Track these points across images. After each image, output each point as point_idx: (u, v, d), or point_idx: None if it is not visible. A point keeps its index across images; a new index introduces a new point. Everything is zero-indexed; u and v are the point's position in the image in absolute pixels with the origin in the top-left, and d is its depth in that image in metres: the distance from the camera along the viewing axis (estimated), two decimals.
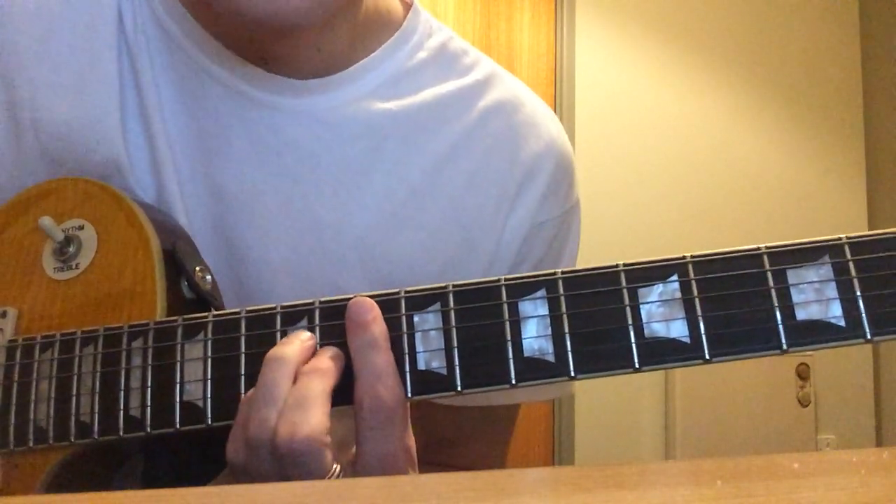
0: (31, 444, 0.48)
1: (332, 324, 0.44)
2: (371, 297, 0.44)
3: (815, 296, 0.36)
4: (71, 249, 0.52)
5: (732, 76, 2.88)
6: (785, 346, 0.36)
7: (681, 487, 0.29)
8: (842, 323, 0.36)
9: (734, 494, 0.27)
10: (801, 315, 0.36)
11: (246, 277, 0.57)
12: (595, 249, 2.49)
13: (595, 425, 2.70)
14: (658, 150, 2.81)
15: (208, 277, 0.52)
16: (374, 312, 0.43)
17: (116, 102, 0.56)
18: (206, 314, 0.47)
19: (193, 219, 0.57)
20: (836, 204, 2.89)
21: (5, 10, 0.56)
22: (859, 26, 2.96)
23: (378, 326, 0.42)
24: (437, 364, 0.42)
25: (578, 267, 0.40)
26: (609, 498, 0.28)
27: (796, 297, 0.36)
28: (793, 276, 0.37)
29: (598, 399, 2.69)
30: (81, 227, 0.52)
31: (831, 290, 0.36)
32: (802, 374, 2.71)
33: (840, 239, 0.36)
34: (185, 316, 0.47)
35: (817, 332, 0.36)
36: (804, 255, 0.37)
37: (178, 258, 0.51)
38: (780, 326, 0.36)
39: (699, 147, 2.84)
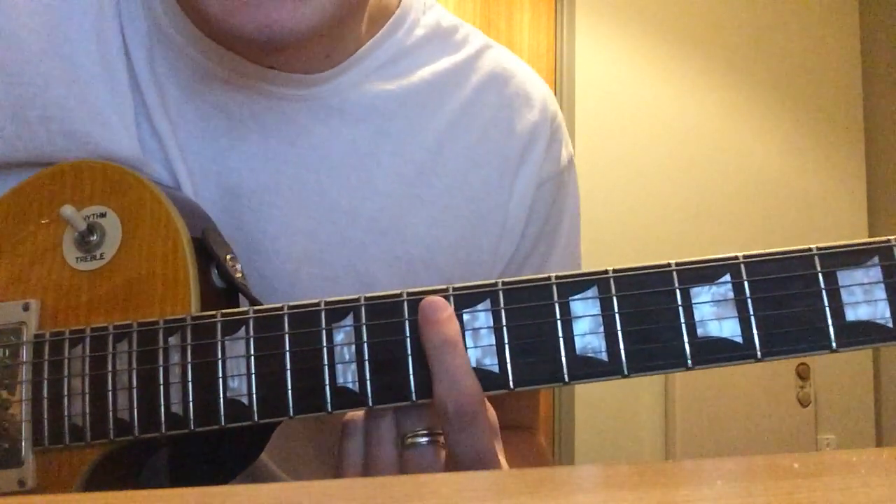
0: (66, 441, 0.46)
1: (377, 323, 0.43)
2: (416, 292, 0.43)
3: (864, 297, 0.37)
4: (94, 238, 0.49)
5: (732, 76, 2.88)
6: (835, 346, 0.37)
7: (680, 487, 0.29)
8: (890, 324, 0.37)
9: (734, 494, 0.27)
10: (850, 316, 0.37)
11: (269, 271, 0.57)
12: (595, 248, 2.49)
13: (595, 425, 2.69)
14: (658, 150, 2.80)
15: (238, 266, 0.51)
16: (448, 311, 0.42)
17: (130, 102, 0.56)
18: (245, 309, 0.45)
19: None
20: (836, 204, 2.90)
21: (5, 6, 0.55)
22: (859, 26, 2.97)
23: (453, 325, 0.42)
24: (489, 362, 0.42)
25: (628, 266, 0.41)
26: (609, 498, 0.28)
27: (846, 297, 0.37)
28: (844, 277, 0.38)
29: (598, 399, 2.68)
30: (103, 215, 0.50)
31: (880, 292, 0.37)
32: (802, 374, 2.71)
33: (889, 241, 0.37)
34: (224, 311, 0.46)
35: (865, 333, 0.37)
36: (854, 256, 0.38)
37: (207, 246, 0.49)
38: (831, 327, 0.37)
39: (699, 147, 2.84)
